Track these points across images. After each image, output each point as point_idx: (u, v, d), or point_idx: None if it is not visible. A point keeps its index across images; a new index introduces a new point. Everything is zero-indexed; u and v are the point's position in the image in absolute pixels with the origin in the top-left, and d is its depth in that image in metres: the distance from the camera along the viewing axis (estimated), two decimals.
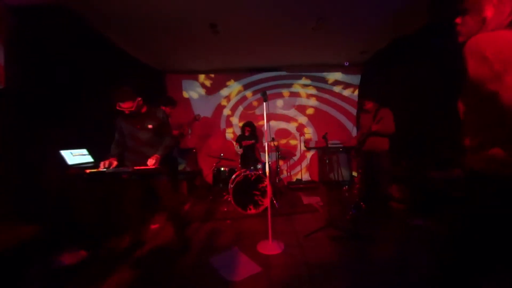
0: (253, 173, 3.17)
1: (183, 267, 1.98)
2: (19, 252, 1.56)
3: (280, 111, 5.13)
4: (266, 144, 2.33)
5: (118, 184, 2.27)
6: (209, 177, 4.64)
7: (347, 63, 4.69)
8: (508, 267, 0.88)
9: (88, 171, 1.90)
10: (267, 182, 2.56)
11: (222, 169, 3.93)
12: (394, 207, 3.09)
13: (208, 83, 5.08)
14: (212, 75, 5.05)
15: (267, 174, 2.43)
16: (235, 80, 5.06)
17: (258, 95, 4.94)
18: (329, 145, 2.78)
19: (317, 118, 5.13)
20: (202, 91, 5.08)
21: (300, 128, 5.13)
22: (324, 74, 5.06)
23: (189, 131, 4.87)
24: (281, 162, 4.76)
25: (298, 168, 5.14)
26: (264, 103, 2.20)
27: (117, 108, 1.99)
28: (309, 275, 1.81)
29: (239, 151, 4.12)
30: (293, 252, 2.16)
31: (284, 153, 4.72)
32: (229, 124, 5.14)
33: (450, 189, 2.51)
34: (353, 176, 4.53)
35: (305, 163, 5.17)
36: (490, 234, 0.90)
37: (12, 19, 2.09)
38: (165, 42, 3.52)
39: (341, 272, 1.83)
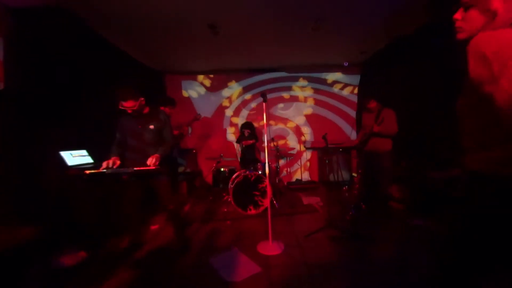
0: (253, 174, 3.17)
1: (183, 268, 1.98)
2: (19, 252, 1.56)
3: (280, 112, 5.14)
4: (266, 144, 2.33)
5: (118, 184, 2.26)
6: (209, 177, 4.64)
7: (347, 63, 4.69)
8: (507, 267, 0.88)
9: (87, 172, 1.89)
10: (267, 182, 2.57)
11: (222, 169, 3.93)
12: (394, 207, 3.09)
13: (207, 83, 5.09)
14: (212, 76, 5.06)
15: (267, 174, 2.43)
16: (236, 81, 5.07)
17: (258, 96, 4.94)
18: (329, 146, 2.77)
19: (316, 119, 5.13)
20: (202, 91, 5.08)
21: (299, 128, 5.13)
22: (323, 74, 5.07)
23: (189, 131, 4.87)
24: (280, 162, 4.76)
25: (298, 168, 5.15)
26: (264, 104, 2.20)
27: (120, 107, 1.99)
28: (309, 275, 1.81)
29: (239, 153, 4.12)
30: (293, 252, 2.16)
31: (283, 154, 4.72)
32: (230, 124, 5.15)
33: (450, 189, 2.51)
34: (353, 176, 4.53)
35: (304, 162, 5.17)
36: (489, 234, 0.90)
37: (12, 20, 2.10)
38: (165, 42, 3.52)
39: (341, 272, 1.83)
